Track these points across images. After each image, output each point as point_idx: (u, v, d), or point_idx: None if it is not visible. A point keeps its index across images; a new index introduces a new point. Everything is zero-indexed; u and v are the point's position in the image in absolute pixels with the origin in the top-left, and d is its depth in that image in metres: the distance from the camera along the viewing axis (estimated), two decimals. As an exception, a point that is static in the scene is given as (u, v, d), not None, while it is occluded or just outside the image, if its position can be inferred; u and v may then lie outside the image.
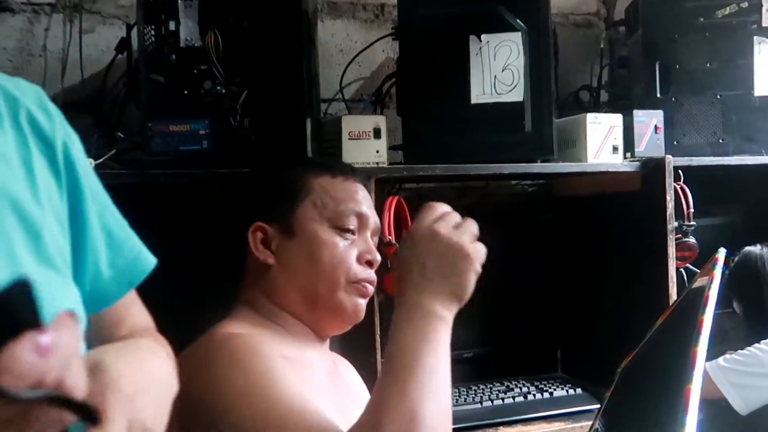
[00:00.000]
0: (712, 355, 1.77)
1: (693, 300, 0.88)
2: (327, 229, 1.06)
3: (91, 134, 1.35)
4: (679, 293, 1.61)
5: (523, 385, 1.74)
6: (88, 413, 0.49)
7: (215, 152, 1.32)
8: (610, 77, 1.96)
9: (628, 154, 1.64)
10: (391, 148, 1.56)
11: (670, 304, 1.15)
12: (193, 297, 1.29)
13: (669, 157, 1.60)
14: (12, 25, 1.61)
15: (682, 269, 1.65)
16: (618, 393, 1.03)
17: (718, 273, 0.87)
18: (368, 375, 1.22)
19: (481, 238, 0.89)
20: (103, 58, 1.56)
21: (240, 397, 0.87)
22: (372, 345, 1.35)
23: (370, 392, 0.94)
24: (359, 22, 1.85)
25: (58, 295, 0.60)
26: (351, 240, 1.08)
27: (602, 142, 1.60)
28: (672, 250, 1.59)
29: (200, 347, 0.96)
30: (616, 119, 1.62)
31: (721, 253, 0.94)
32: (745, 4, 1.71)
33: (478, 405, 1.63)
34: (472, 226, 0.89)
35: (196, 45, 1.32)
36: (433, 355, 0.83)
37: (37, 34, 1.62)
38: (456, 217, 0.90)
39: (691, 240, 1.63)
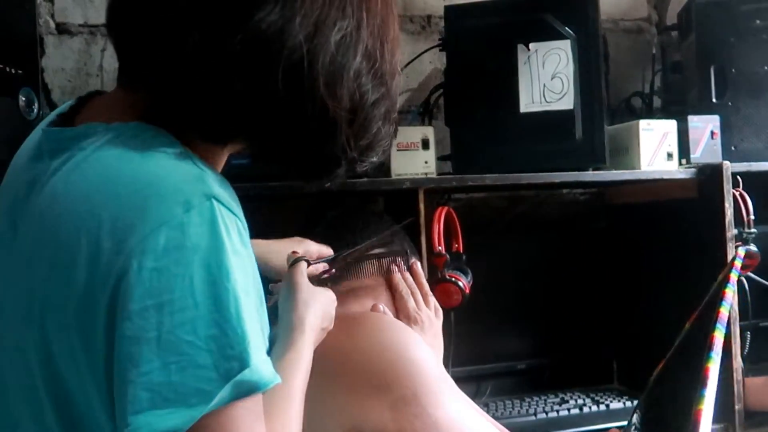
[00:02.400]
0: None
1: (713, 301, 0.90)
2: None
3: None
4: (740, 302, 1.56)
5: (578, 397, 1.71)
6: None
7: (261, 165, 1.33)
8: (662, 83, 1.92)
9: (684, 161, 1.60)
10: (440, 158, 1.56)
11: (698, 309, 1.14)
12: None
13: (726, 162, 1.56)
14: (70, 46, 1.66)
15: (743, 277, 1.60)
16: (650, 404, 1.02)
17: (734, 272, 0.89)
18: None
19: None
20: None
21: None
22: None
23: None
24: (406, 34, 1.86)
25: None
26: None
27: (656, 148, 1.57)
28: (743, 251, 1.54)
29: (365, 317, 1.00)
30: (670, 125, 1.59)
31: (741, 250, 1.03)
32: (803, 5, 1.67)
33: (533, 417, 1.61)
34: None
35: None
36: None
37: (93, 55, 1.67)
38: None
39: (752, 248, 1.58)
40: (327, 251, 1.04)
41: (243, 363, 0.59)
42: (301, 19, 0.65)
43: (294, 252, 0.94)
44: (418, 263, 1.18)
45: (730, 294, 0.86)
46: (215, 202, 0.60)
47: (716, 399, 0.74)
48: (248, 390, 0.59)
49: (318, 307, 0.86)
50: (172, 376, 0.57)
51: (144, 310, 0.57)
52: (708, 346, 0.77)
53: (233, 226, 0.61)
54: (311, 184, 1.06)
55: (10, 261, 0.69)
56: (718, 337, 0.78)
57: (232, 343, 0.58)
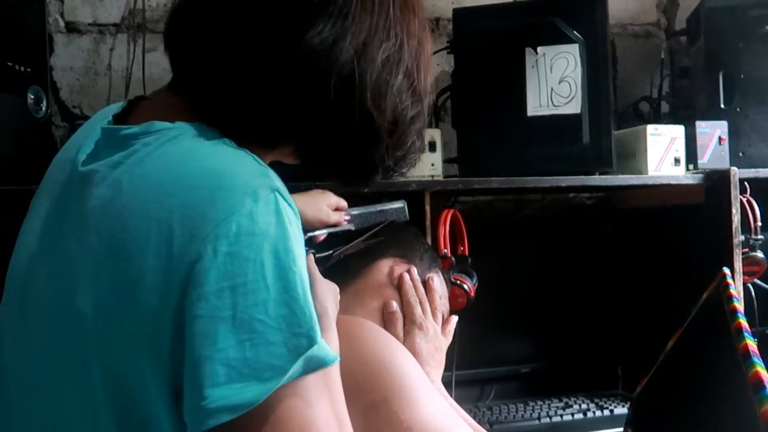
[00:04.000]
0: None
1: (711, 318, 0.89)
2: None
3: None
4: (746, 309, 1.55)
5: (583, 402, 1.71)
6: None
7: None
8: (670, 88, 1.92)
9: (691, 166, 1.60)
10: (447, 161, 1.56)
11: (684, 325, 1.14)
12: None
13: (734, 168, 1.55)
14: (79, 45, 1.67)
15: (749, 284, 1.59)
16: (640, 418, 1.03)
17: (738, 300, 0.90)
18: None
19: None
20: (165, 77, 1.58)
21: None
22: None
23: None
24: (414, 37, 1.86)
25: None
26: None
27: (663, 153, 1.57)
28: (739, 265, 1.54)
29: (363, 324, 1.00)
30: (678, 130, 1.58)
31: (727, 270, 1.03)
32: (813, 11, 1.66)
33: (536, 421, 1.61)
34: None
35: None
36: None
37: (102, 54, 1.68)
38: None
39: (759, 254, 1.57)
40: (344, 203, 1.14)
41: (311, 340, 0.63)
42: (351, 38, 0.72)
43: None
44: (435, 279, 1.17)
45: (741, 306, 0.86)
46: (278, 195, 0.65)
47: (716, 416, 0.74)
48: (317, 365, 0.64)
49: (332, 297, 0.90)
50: (247, 352, 0.60)
51: (219, 291, 0.61)
52: (744, 356, 0.77)
53: (293, 218, 0.66)
54: (350, 188, 1.13)
55: (58, 253, 0.70)
56: (751, 344, 0.78)
57: (300, 322, 0.63)
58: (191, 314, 0.61)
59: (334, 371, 0.77)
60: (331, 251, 1.00)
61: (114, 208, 0.66)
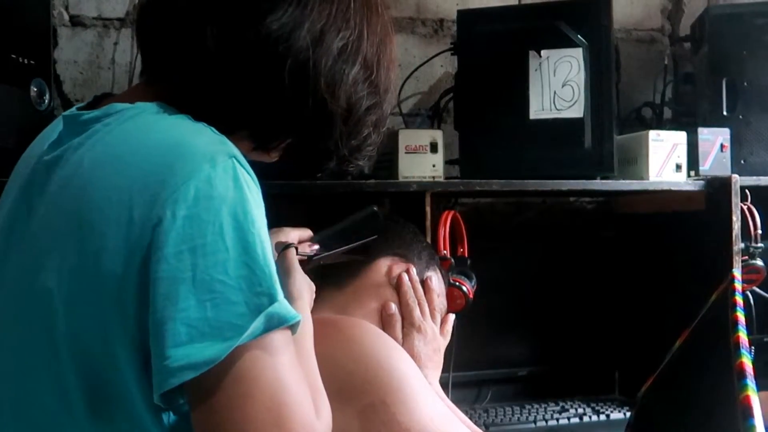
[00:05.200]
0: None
1: (716, 324, 0.89)
2: None
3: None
4: (746, 316, 1.55)
5: (579, 406, 1.71)
6: None
7: (275, 164, 1.33)
8: (673, 94, 1.91)
9: (692, 173, 1.60)
10: (448, 162, 1.56)
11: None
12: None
13: (735, 176, 1.55)
14: (83, 39, 1.67)
15: (748, 292, 1.59)
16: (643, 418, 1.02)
17: (738, 295, 0.89)
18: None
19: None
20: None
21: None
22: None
23: None
24: (418, 37, 1.86)
25: None
26: None
27: (665, 159, 1.57)
28: (738, 273, 1.54)
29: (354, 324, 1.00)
30: (680, 137, 1.58)
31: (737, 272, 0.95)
32: (817, 20, 1.66)
33: (532, 425, 1.60)
34: None
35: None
36: None
37: (106, 48, 1.68)
38: None
39: (759, 262, 1.57)
40: (306, 233, 1.08)
41: (272, 298, 0.65)
42: (309, 24, 0.74)
43: (279, 242, 0.96)
44: (433, 278, 1.17)
45: (743, 318, 0.85)
46: (236, 162, 0.68)
47: (716, 413, 0.74)
48: (278, 322, 0.65)
49: (308, 289, 0.92)
50: (208, 312, 0.62)
51: (179, 254, 0.63)
52: (739, 374, 0.76)
53: (252, 183, 0.68)
54: (305, 176, 1.12)
55: (25, 240, 0.72)
56: (747, 363, 0.77)
57: (260, 281, 0.65)
58: (153, 276, 0.63)
59: (307, 344, 0.79)
60: (311, 254, 0.99)
61: (76, 185, 0.69)
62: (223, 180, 0.65)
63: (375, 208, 1.10)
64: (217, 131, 0.71)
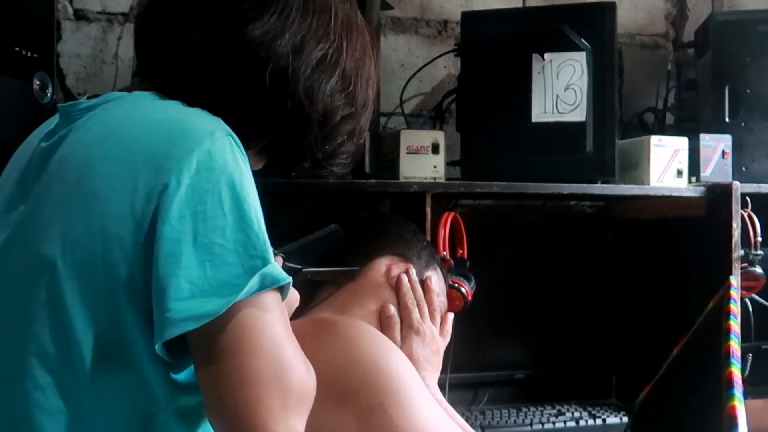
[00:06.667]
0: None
1: (711, 332, 0.89)
2: None
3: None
4: (743, 324, 1.55)
5: (575, 410, 1.71)
6: None
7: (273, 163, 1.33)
8: (676, 100, 1.91)
9: (694, 179, 1.60)
10: (449, 163, 1.56)
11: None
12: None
13: (736, 183, 1.55)
14: (87, 33, 1.67)
15: (747, 299, 1.59)
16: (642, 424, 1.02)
17: (735, 301, 0.89)
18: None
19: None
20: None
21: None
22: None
23: None
24: (422, 38, 1.86)
25: None
26: None
27: (666, 165, 1.57)
28: (737, 280, 1.54)
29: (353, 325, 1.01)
30: (682, 142, 1.58)
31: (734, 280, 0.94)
32: (821, 28, 1.66)
33: (528, 427, 1.60)
34: None
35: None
36: None
37: (109, 43, 1.68)
38: None
39: (758, 270, 1.57)
40: None
41: (265, 261, 0.70)
42: (290, 34, 0.80)
43: None
44: (433, 277, 1.17)
45: (737, 327, 0.85)
46: (232, 140, 0.73)
47: (714, 421, 0.73)
48: (271, 282, 0.70)
49: (292, 294, 0.91)
50: (207, 271, 0.68)
51: (182, 217, 0.68)
52: (727, 384, 0.76)
53: (245, 159, 0.74)
54: (281, 174, 1.14)
55: (22, 218, 0.75)
56: (736, 373, 0.77)
57: (255, 245, 0.70)
58: (159, 236, 0.68)
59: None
60: (300, 266, 0.99)
61: (77, 160, 0.73)
62: (222, 154, 0.71)
63: (336, 226, 1.10)
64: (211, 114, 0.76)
